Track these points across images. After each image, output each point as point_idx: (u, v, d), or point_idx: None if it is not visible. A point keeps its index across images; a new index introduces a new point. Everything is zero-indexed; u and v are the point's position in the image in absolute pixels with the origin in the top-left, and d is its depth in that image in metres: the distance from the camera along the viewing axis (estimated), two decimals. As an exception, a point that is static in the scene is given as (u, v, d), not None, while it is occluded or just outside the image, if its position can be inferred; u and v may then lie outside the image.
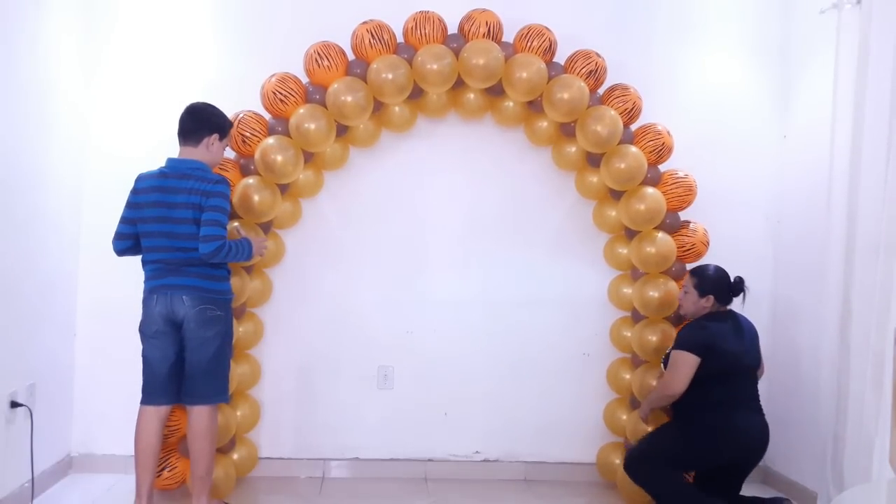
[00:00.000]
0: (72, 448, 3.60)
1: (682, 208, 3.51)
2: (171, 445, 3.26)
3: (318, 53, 3.31)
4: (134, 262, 3.03)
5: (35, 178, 3.18)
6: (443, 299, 3.76)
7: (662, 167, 3.51)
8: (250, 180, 3.26)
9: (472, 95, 3.52)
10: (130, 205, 2.97)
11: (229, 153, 3.36)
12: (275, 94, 3.29)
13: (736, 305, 3.21)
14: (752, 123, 3.84)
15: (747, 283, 3.19)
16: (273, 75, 3.34)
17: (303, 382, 3.72)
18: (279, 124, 3.33)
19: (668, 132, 3.47)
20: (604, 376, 3.75)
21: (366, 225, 3.73)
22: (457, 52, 3.33)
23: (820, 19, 3.44)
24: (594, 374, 3.78)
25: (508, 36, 3.45)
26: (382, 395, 3.76)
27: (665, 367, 3.16)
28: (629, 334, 3.60)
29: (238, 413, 3.40)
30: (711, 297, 3.16)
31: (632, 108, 3.44)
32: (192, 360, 2.93)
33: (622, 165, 3.36)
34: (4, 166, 2.93)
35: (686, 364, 3.02)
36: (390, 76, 3.25)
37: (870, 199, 3.00)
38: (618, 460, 3.55)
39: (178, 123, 2.99)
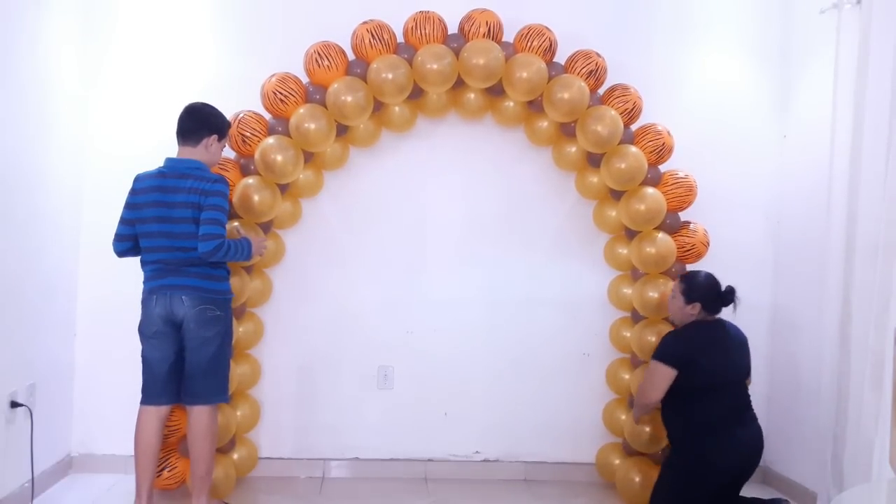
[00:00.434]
0: (72, 448, 3.60)
1: (683, 209, 3.51)
2: (171, 445, 3.26)
3: (319, 53, 3.31)
4: (134, 262, 3.03)
5: (35, 178, 3.18)
6: (443, 299, 3.76)
7: (663, 167, 3.51)
8: (250, 180, 3.26)
9: (472, 95, 3.52)
10: (129, 205, 2.96)
11: (229, 153, 3.36)
12: (275, 93, 3.29)
13: (727, 313, 3.15)
14: (752, 123, 3.84)
15: (747, 283, 3.16)
16: (273, 75, 3.34)
17: (303, 382, 3.72)
18: (279, 124, 3.33)
19: (669, 132, 3.47)
20: (603, 376, 3.74)
21: (366, 225, 3.73)
22: (457, 52, 3.33)
23: (820, 19, 3.44)
24: (594, 375, 3.78)
25: (508, 36, 3.45)
26: (382, 395, 3.76)
27: None
28: (629, 335, 3.60)
29: (238, 413, 3.40)
30: (698, 305, 3.08)
31: (632, 108, 3.44)
32: (191, 360, 2.93)
33: (622, 165, 3.35)
34: (4, 166, 2.93)
35: (661, 375, 2.99)
36: (390, 76, 3.25)
37: (870, 199, 3.00)
38: (617, 460, 3.56)
39: (176, 123, 2.99)
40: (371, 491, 3.54)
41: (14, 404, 3.01)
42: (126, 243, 2.99)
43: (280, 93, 3.29)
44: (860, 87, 3.06)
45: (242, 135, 3.29)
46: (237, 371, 3.34)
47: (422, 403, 3.76)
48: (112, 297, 3.49)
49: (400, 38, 3.40)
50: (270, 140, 3.26)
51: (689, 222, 3.51)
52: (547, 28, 3.40)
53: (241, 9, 3.68)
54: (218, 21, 3.69)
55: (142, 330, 2.96)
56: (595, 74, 3.41)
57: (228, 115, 3.13)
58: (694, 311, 3.09)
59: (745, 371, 3.10)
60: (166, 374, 2.94)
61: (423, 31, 3.33)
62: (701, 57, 3.83)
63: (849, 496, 2.21)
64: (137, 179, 2.97)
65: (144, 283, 2.97)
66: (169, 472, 3.23)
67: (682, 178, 3.48)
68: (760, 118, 3.85)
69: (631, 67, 3.63)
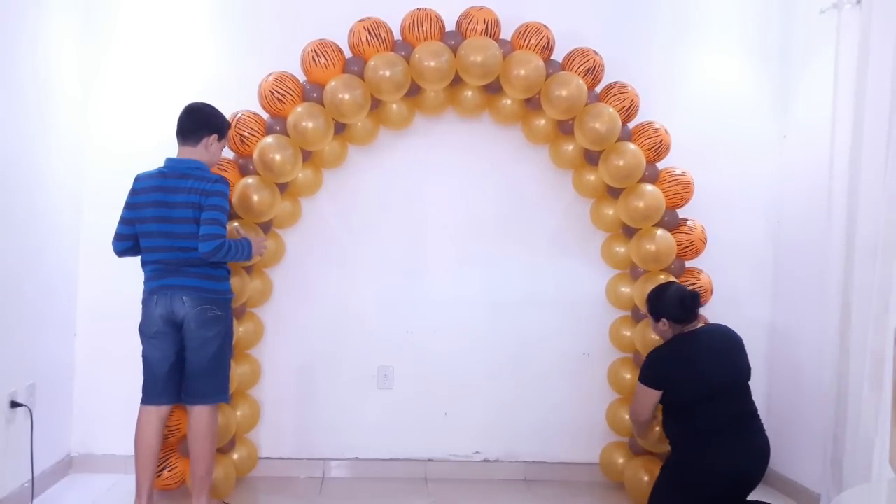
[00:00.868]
0: (72, 448, 3.60)
1: (681, 205, 3.51)
2: (171, 445, 3.26)
3: (315, 51, 3.31)
4: (134, 262, 3.03)
5: (35, 178, 3.18)
6: (443, 299, 3.75)
7: (660, 165, 3.50)
8: (249, 180, 3.26)
9: (469, 93, 3.52)
10: (129, 205, 2.97)
11: (228, 153, 3.36)
12: (272, 92, 3.29)
13: (723, 316, 3.10)
14: (751, 123, 3.84)
15: (747, 283, 3.15)
16: (270, 74, 3.34)
17: (303, 382, 3.72)
18: (277, 123, 3.33)
19: (666, 130, 3.47)
20: (604, 376, 3.73)
21: (365, 224, 3.73)
22: (454, 50, 3.33)
23: (820, 19, 3.43)
24: (594, 374, 3.77)
25: (506, 33, 3.45)
26: (382, 394, 3.76)
27: None
28: (629, 334, 3.60)
29: (238, 413, 3.40)
30: (666, 321, 3.04)
31: (630, 106, 3.43)
32: (192, 360, 2.93)
33: (620, 162, 3.35)
34: (4, 166, 2.93)
35: (646, 396, 3.00)
36: (388, 73, 3.25)
37: (870, 199, 2.99)
38: (621, 460, 3.55)
39: (176, 123, 2.99)
40: (371, 491, 3.54)
41: (14, 404, 3.01)
42: (126, 243, 3.00)
43: (277, 92, 3.29)
44: (860, 87, 3.06)
45: (240, 134, 3.29)
46: (237, 371, 3.35)
47: (422, 403, 3.76)
48: (112, 296, 3.50)
49: (397, 36, 3.40)
50: (269, 139, 3.26)
51: (687, 219, 3.51)
52: (545, 26, 3.40)
53: (239, 8, 3.69)
54: (217, 21, 3.69)
55: (142, 330, 2.97)
56: (593, 72, 3.41)
57: (227, 115, 3.13)
58: (665, 327, 3.06)
59: (738, 373, 2.98)
60: (167, 374, 2.94)
61: (420, 29, 3.33)
62: (701, 56, 3.83)
63: (849, 496, 2.20)
64: (137, 179, 2.98)
65: (145, 283, 2.97)
66: (169, 472, 3.23)
67: (679, 174, 3.48)
68: (760, 118, 3.84)
69: (631, 66, 3.63)
